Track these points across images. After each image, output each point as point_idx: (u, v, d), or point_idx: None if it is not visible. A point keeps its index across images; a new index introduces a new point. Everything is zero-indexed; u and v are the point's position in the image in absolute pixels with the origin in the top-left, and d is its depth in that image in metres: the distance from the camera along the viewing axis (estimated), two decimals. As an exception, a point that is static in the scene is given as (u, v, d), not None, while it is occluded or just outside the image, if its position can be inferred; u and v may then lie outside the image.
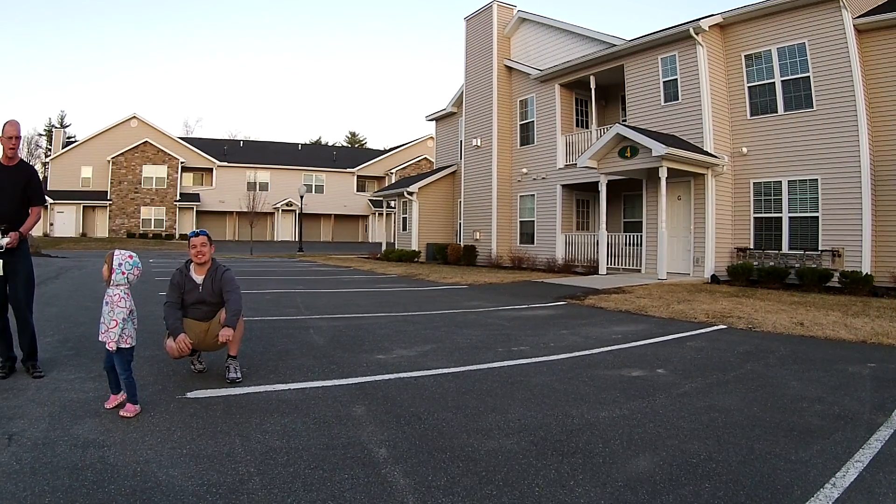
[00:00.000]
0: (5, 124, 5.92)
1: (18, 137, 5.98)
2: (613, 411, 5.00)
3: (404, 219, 32.03)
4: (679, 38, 18.75)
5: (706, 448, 4.13)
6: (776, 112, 17.49)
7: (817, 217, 16.49)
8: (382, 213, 52.49)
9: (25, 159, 6.43)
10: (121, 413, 4.64)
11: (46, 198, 46.20)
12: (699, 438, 4.32)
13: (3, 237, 5.73)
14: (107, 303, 4.84)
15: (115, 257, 4.93)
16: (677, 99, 19.08)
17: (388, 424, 4.61)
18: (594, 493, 3.41)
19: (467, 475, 3.65)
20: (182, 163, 59.13)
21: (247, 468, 3.69)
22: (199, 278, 5.98)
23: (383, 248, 34.99)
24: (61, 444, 3.99)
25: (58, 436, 4.16)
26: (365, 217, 67.64)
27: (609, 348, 7.90)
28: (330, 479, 3.54)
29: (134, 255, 5.05)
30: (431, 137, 53.47)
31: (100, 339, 4.82)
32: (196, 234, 6.02)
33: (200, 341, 5.87)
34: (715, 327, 9.79)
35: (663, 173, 16.98)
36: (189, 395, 5.32)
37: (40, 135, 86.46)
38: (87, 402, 4.95)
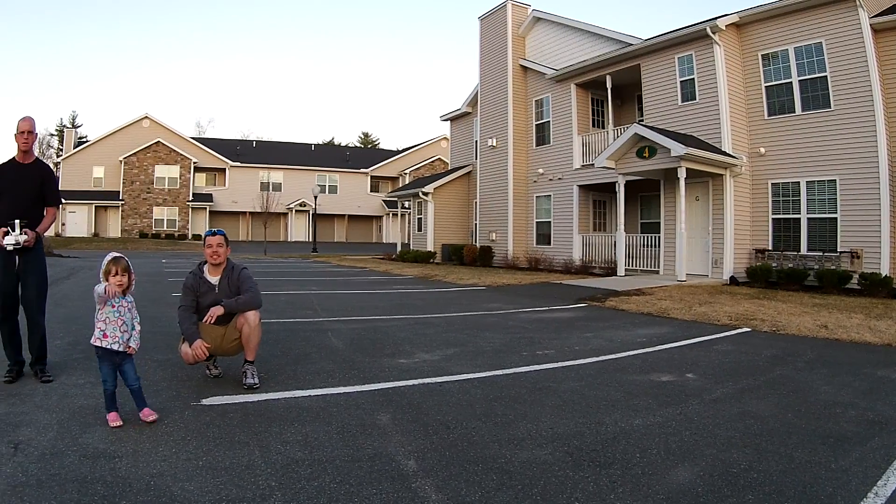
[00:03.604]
0: (19, 121, 5.88)
1: (32, 132, 5.95)
2: (647, 418, 4.93)
3: (419, 219, 32.02)
4: (695, 37, 18.70)
5: (746, 457, 4.04)
6: (794, 112, 17.42)
7: (836, 218, 16.42)
8: (397, 214, 52.54)
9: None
10: (149, 419, 4.55)
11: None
12: (737, 447, 4.25)
13: (20, 234, 5.65)
14: (129, 309, 4.73)
15: (126, 260, 4.73)
16: (694, 99, 19.03)
17: (416, 434, 4.48)
18: (636, 507, 3.31)
19: (502, 489, 3.51)
20: (195, 163, 59.35)
21: (267, 482, 3.56)
22: (214, 279, 5.86)
23: (398, 248, 35.09)
24: (70, 455, 3.86)
25: (66, 445, 4.03)
26: (379, 217, 67.63)
27: (635, 352, 7.86)
28: (357, 494, 3.41)
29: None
30: (445, 138, 53.59)
31: (123, 349, 4.62)
32: (212, 234, 5.89)
33: (217, 346, 5.72)
34: (739, 330, 9.73)
35: (682, 174, 16.93)
36: (204, 401, 5.18)
37: (52, 135, 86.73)
38: (97, 409, 4.77)
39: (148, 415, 4.59)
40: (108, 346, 4.57)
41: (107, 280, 4.64)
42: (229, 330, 5.75)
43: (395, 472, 3.74)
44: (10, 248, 5.61)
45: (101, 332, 4.58)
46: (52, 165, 63.88)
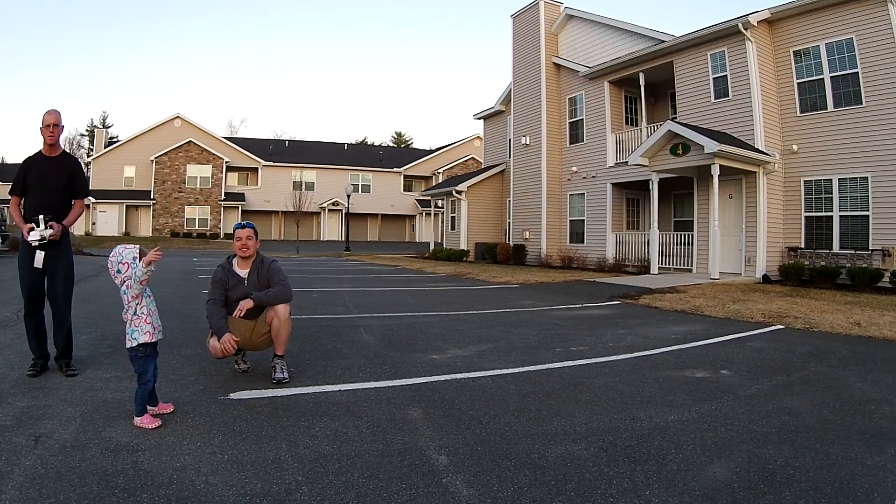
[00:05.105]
0: (45, 114, 5.84)
1: (58, 125, 5.90)
2: (682, 414, 4.90)
3: (452, 218, 32.13)
4: (728, 33, 18.63)
5: (782, 453, 4.01)
6: (826, 109, 17.30)
7: (868, 216, 16.27)
8: (430, 213, 52.54)
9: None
10: (167, 411, 4.59)
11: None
12: (773, 443, 4.22)
13: (46, 228, 5.63)
14: None
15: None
16: (727, 96, 18.95)
17: (447, 429, 4.44)
18: (671, 503, 3.28)
19: (536, 484, 3.47)
20: (227, 162, 59.72)
21: (294, 476, 3.51)
22: (243, 272, 5.77)
23: (431, 247, 35.26)
24: (91, 448, 3.83)
25: (88, 438, 4.00)
26: (412, 217, 67.81)
27: (669, 348, 7.85)
28: (386, 490, 3.36)
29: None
30: (479, 137, 53.58)
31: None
32: (242, 226, 5.81)
33: (246, 340, 5.62)
34: (772, 327, 9.72)
35: (716, 171, 16.85)
36: (232, 395, 5.14)
37: (82, 135, 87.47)
38: (122, 403, 4.76)
39: (163, 408, 4.60)
40: (159, 338, 4.56)
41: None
42: (259, 324, 5.68)
43: (426, 467, 3.72)
44: (35, 243, 5.64)
45: (152, 326, 4.49)
46: (82, 165, 64.97)
